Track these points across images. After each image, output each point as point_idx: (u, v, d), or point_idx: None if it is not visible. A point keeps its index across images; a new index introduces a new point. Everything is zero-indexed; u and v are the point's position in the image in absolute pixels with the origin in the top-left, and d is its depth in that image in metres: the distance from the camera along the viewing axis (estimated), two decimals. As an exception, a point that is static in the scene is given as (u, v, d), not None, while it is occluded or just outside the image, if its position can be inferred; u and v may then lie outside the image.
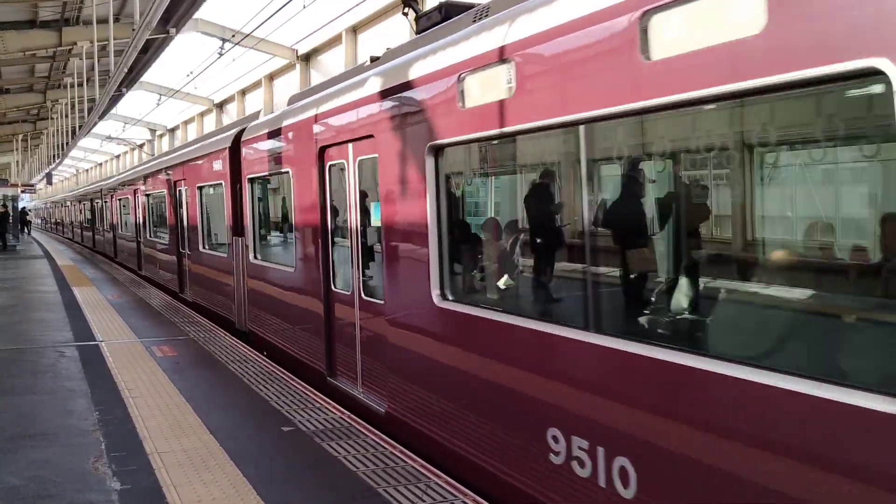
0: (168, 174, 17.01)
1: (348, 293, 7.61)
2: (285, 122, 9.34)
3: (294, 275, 9.15)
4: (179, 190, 15.90)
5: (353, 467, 5.57)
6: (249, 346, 10.31)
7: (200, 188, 14.18)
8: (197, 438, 6.29)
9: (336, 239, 8.07)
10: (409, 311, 6.34)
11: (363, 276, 7.38)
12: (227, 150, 12.05)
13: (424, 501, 4.94)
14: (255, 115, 13.01)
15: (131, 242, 23.50)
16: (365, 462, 5.66)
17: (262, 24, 18.13)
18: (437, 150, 5.83)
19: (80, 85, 26.76)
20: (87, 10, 22.23)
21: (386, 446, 6.03)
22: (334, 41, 24.62)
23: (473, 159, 6.04)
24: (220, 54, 23.16)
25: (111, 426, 6.67)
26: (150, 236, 20.27)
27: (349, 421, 6.72)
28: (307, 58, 27.42)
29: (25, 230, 51.72)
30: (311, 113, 8.42)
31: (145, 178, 20.39)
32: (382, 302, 6.79)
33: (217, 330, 11.71)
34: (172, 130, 48.79)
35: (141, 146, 53.38)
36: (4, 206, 37.14)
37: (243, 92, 34.96)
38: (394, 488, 5.15)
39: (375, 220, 6.98)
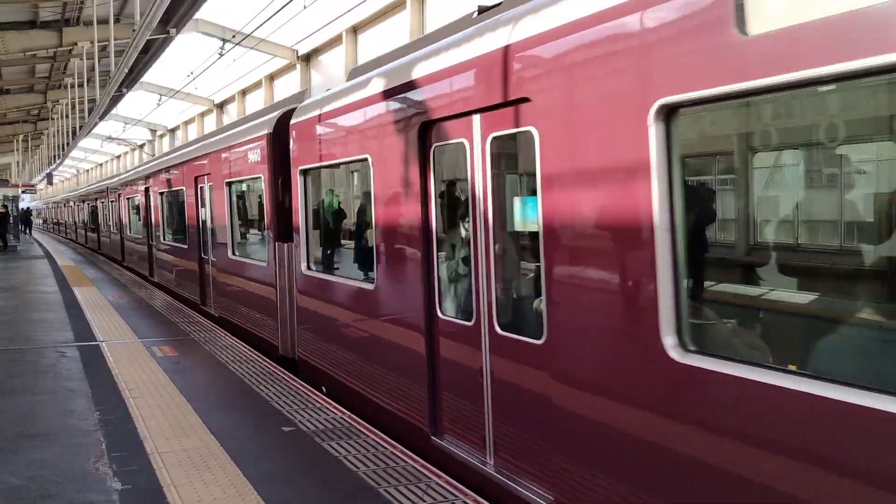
0: (187, 169, 14.93)
1: (469, 323, 5.50)
2: (362, 95, 7.14)
3: (375, 293, 6.94)
4: (201, 187, 13.91)
5: (354, 467, 5.57)
6: (299, 378, 8.47)
7: (230, 184, 12.05)
8: (197, 438, 6.29)
9: (446, 247, 6.01)
10: (608, 363, 4.15)
11: (498, 299, 5.28)
12: (267, 137, 10.01)
13: (425, 501, 4.94)
14: (301, 96, 11.00)
15: (141, 245, 21.26)
16: (365, 462, 5.67)
17: (263, 24, 18.13)
18: (672, 112, 3.73)
19: (81, 85, 26.78)
20: (87, 11, 22.26)
21: (386, 446, 6.03)
22: (335, 41, 24.62)
23: (750, 123, 3.80)
24: (221, 55, 23.15)
25: (112, 426, 6.67)
26: (165, 239, 18.00)
27: (349, 421, 6.72)
28: (307, 58, 27.43)
29: (27, 230, 51.81)
30: (405, 79, 6.27)
31: (159, 173, 18.21)
32: (540, 342, 4.71)
33: (217, 330, 11.70)
34: (173, 131, 48.81)
35: (141, 146, 53.41)
36: (5, 206, 37.17)
37: (244, 92, 34.97)
38: (394, 488, 5.16)
39: (525, 222, 5.12)
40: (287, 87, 28.75)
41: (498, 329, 5.22)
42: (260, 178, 10.37)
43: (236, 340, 10.67)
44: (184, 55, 31.71)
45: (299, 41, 25.15)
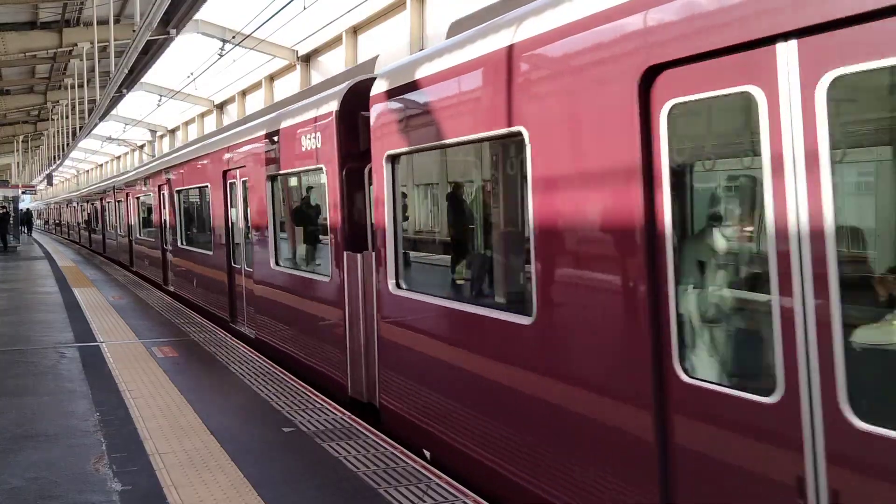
0: (214, 162, 12.71)
1: (768, 400, 3.30)
2: (507, 41, 4.91)
3: (536, 332, 4.68)
4: (232, 183, 11.89)
5: (354, 468, 5.57)
6: (383, 434, 6.36)
7: (273, 178, 9.86)
8: (198, 439, 6.29)
9: (691, 264, 3.89)
10: None
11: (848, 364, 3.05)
12: (332, 117, 7.78)
13: (425, 502, 4.94)
14: (370, 64, 8.92)
15: (154, 250, 19.11)
16: (365, 462, 5.67)
17: (263, 24, 18.13)
18: None
19: (81, 86, 26.80)
20: (87, 12, 22.28)
21: (386, 447, 6.03)
22: (335, 42, 24.65)
23: None
24: (221, 55, 23.16)
25: (112, 427, 6.68)
26: (183, 244, 15.93)
27: (349, 421, 6.72)
28: (307, 59, 27.46)
29: (27, 231, 51.83)
30: (610, 2, 4.05)
31: (176, 168, 16.04)
32: None
33: (218, 330, 11.69)
34: (173, 131, 48.85)
35: (142, 147, 53.45)
36: (4, 207, 37.22)
37: (244, 93, 35.02)
38: (394, 489, 5.16)
39: None
40: (287, 86, 28.78)
41: (853, 419, 2.98)
42: (320, 168, 8.10)
43: (285, 373, 8.68)
44: (184, 56, 31.65)
45: (299, 42, 25.17)
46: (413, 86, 6.16)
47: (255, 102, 32.77)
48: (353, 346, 7.54)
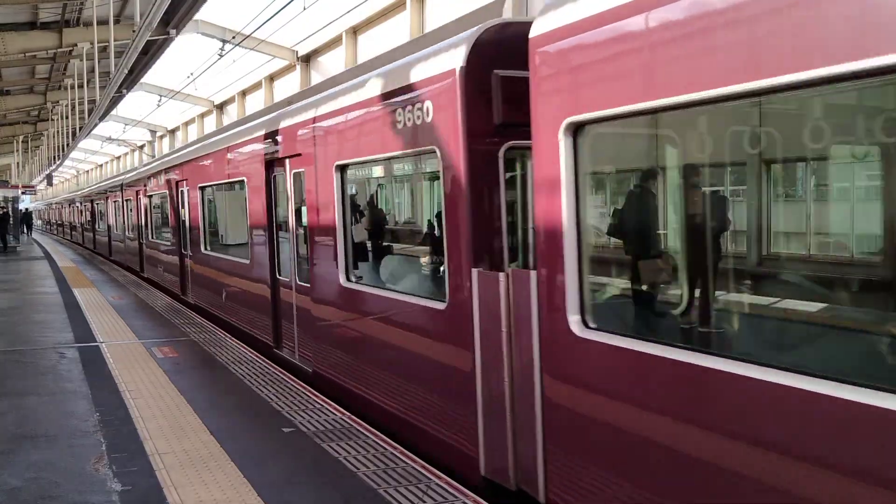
0: (254, 150, 10.38)
1: None
2: None
3: None
4: (276, 176, 9.74)
5: (354, 468, 5.57)
6: None
7: (344, 168, 7.50)
8: (198, 439, 6.30)
9: None
10: None
11: None
12: (454, 77, 5.44)
13: (425, 502, 4.94)
14: (496, 7, 7.10)
15: (170, 255, 16.97)
16: (366, 463, 5.67)
17: (263, 25, 18.14)
18: None
19: (81, 86, 26.82)
20: (87, 12, 22.31)
21: (386, 447, 6.03)
22: (335, 42, 24.65)
23: None
24: (221, 55, 23.17)
25: (112, 427, 6.68)
26: (208, 249, 13.64)
27: (349, 421, 6.73)
28: (307, 59, 27.47)
29: (27, 232, 51.83)
30: None
31: (199, 161, 13.81)
32: None
33: (218, 331, 11.67)
34: (173, 132, 48.87)
35: (141, 147, 53.47)
36: (4, 207, 37.27)
37: (244, 93, 35.02)
38: (394, 489, 5.16)
39: None
40: (287, 87, 28.79)
41: None
42: (431, 151, 5.82)
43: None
44: (184, 56, 31.69)
45: (299, 42, 25.19)
46: (638, 6, 3.83)
47: (255, 103, 32.78)
48: (489, 406, 5.26)
